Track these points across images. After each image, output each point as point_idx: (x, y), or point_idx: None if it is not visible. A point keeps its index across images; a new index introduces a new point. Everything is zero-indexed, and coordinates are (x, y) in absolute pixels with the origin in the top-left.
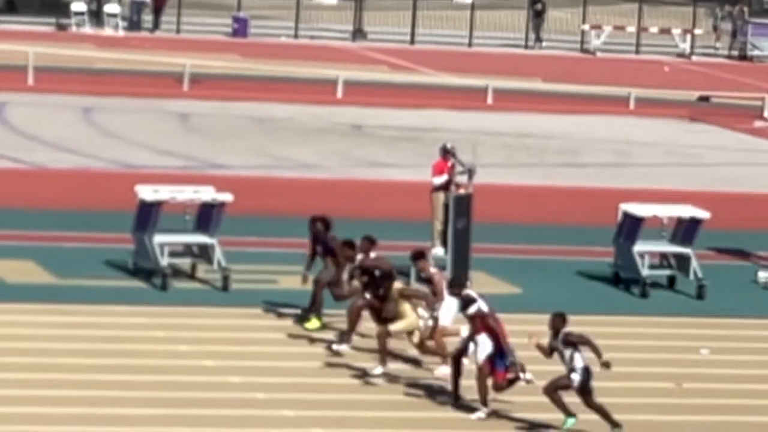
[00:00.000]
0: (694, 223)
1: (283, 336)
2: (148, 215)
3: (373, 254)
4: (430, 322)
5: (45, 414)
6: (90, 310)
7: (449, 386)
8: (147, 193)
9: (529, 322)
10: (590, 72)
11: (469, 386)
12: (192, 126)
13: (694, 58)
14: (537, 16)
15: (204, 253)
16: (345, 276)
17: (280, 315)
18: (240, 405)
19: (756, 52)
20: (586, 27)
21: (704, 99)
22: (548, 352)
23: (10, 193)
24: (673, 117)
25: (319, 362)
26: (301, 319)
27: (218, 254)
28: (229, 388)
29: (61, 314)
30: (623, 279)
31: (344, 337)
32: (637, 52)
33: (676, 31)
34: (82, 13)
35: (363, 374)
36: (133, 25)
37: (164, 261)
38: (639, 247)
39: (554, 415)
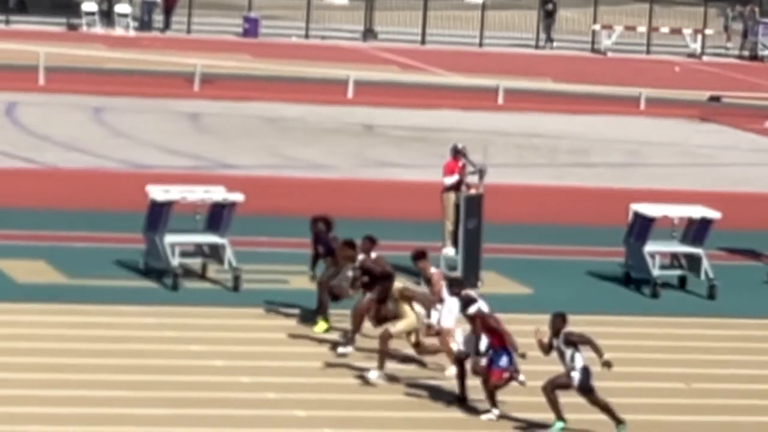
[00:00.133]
0: (705, 223)
1: (294, 336)
2: (158, 215)
3: (374, 254)
4: (426, 321)
5: (56, 414)
6: (101, 310)
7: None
8: (158, 193)
9: (539, 322)
10: (601, 72)
11: (474, 386)
12: (203, 126)
13: (705, 58)
14: (548, 16)
15: (215, 253)
16: (349, 274)
17: (290, 315)
18: (251, 405)
19: (767, 53)
20: (597, 27)
21: (715, 99)
22: (547, 349)
23: (21, 193)
24: (683, 117)
25: (327, 362)
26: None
27: (229, 254)
28: (240, 388)
29: (71, 314)
30: (634, 279)
31: (348, 338)
32: (648, 52)
33: (687, 32)
34: (92, 13)
35: (362, 376)
36: (144, 25)
37: (175, 261)
38: (650, 247)
39: (553, 416)
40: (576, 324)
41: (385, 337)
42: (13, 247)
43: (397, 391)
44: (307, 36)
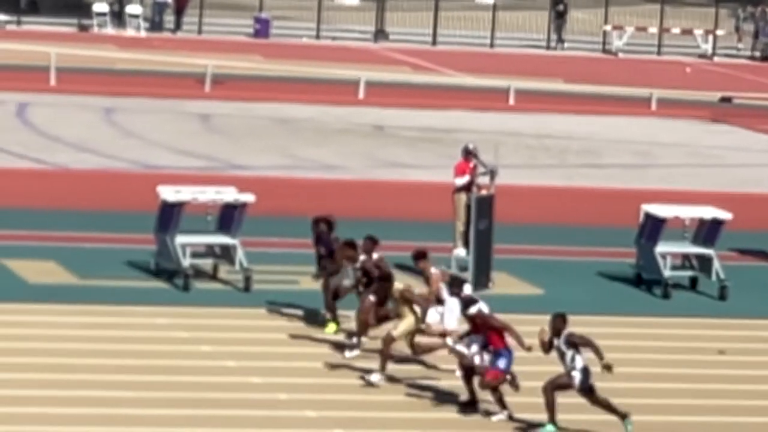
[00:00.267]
0: (716, 224)
1: (303, 337)
2: (170, 216)
3: (375, 255)
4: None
5: (67, 414)
6: (112, 310)
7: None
8: (169, 193)
9: None
10: (612, 73)
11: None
12: (214, 126)
13: (716, 58)
14: (559, 17)
15: (226, 253)
16: (350, 272)
17: (301, 316)
18: (262, 406)
19: None
20: (608, 28)
21: (726, 100)
22: (547, 348)
23: (32, 193)
24: (694, 118)
25: (331, 364)
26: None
27: (240, 255)
28: (251, 389)
29: (82, 315)
30: (645, 280)
31: (354, 341)
32: (659, 53)
33: (698, 32)
34: (104, 14)
35: (364, 377)
36: (155, 25)
37: (186, 262)
38: (661, 248)
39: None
40: (587, 325)
41: (388, 341)
42: (24, 248)
43: (409, 392)
44: (318, 37)
